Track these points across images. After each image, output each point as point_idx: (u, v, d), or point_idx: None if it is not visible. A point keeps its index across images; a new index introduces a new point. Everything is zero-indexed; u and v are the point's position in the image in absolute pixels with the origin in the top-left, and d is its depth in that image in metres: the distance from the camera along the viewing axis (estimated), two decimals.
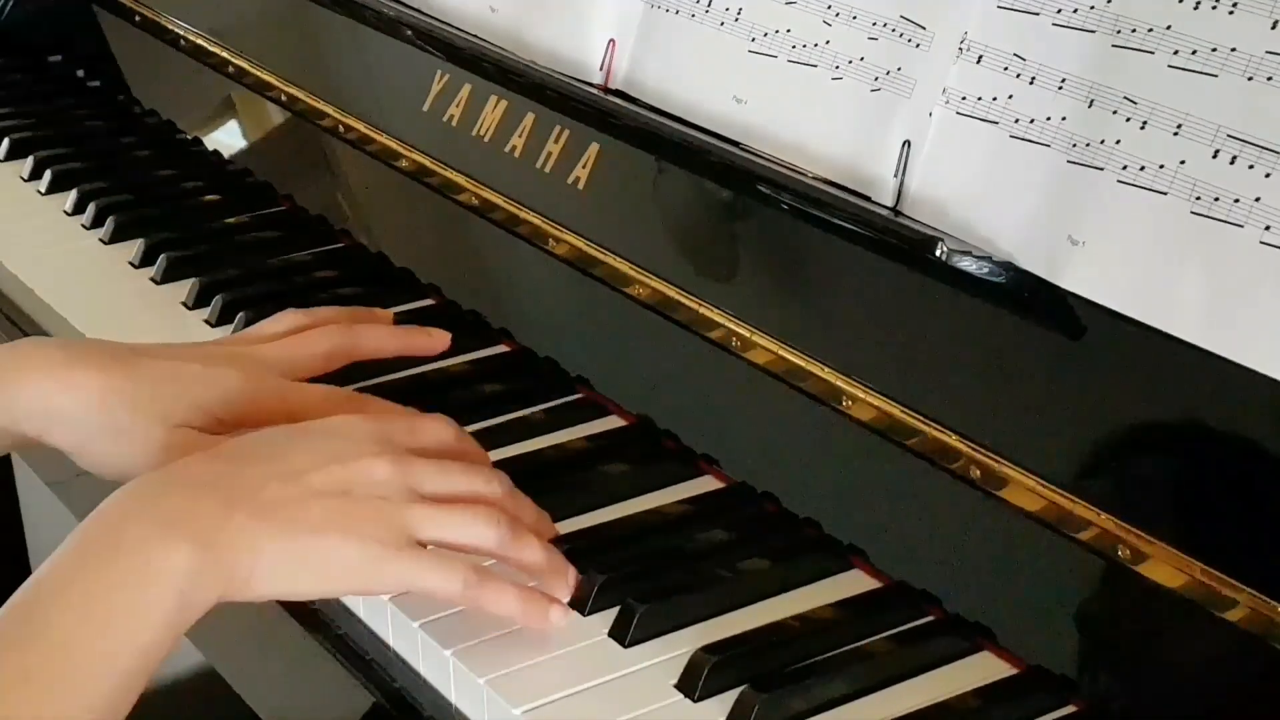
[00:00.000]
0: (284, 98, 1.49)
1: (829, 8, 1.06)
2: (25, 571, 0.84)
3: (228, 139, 1.59)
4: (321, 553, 0.88)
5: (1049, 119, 0.94)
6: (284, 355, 1.09)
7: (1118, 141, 0.90)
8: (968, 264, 0.94)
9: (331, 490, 0.90)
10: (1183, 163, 0.87)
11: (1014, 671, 0.91)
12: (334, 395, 1.07)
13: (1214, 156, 0.86)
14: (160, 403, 1.02)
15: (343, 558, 0.89)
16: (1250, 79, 0.85)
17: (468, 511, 0.92)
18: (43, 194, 1.52)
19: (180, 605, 0.84)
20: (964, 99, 0.98)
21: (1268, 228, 0.83)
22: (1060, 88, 0.93)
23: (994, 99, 0.96)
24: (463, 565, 0.91)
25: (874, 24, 1.04)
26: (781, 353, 1.03)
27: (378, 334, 1.15)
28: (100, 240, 1.43)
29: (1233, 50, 0.85)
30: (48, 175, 1.53)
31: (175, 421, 1.01)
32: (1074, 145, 0.92)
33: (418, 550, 0.90)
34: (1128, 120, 0.90)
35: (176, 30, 1.63)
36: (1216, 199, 0.85)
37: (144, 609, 0.83)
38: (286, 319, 1.13)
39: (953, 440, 0.94)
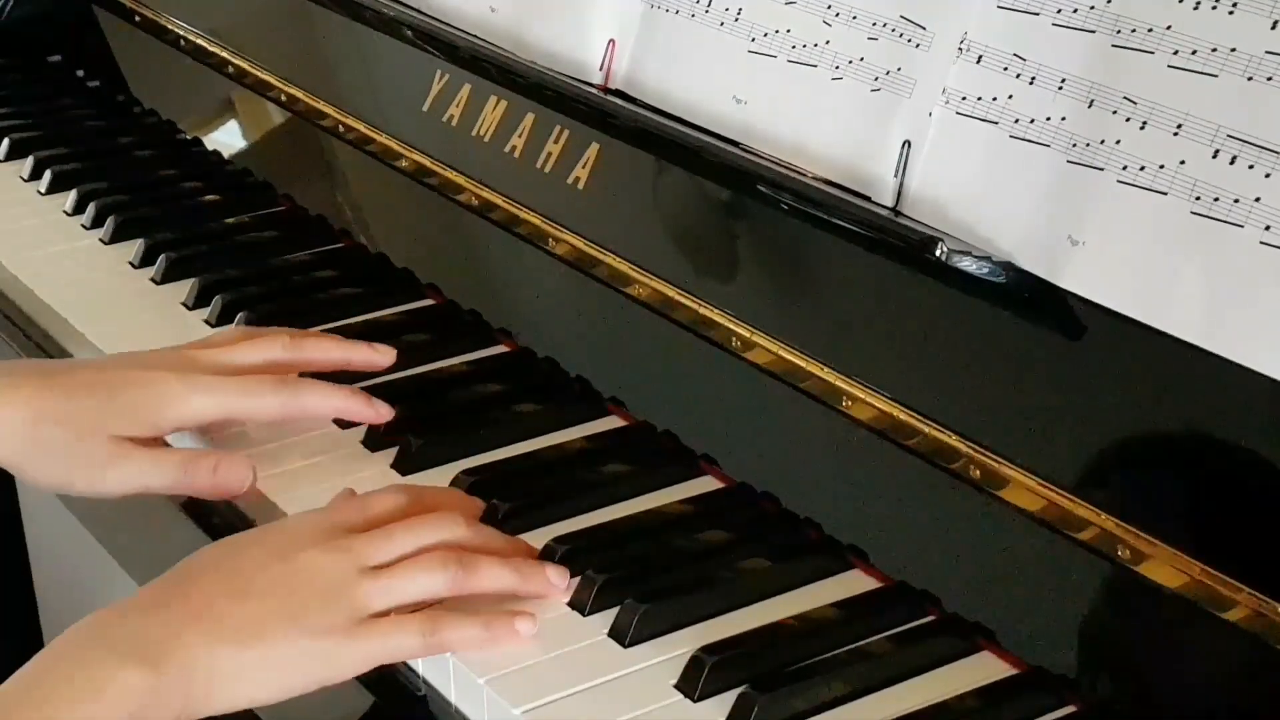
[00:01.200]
0: (284, 98, 1.49)
1: (829, 8, 1.06)
2: (25, 572, 0.85)
3: (228, 139, 1.59)
4: (277, 659, 0.89)
5: (1049, 119, 0.94)
6: (221, 360, 1.09)
7: (1118, 141, 0.90)
8: (968, 264, 0.94)
9: (278, 590, 0.90)
10: (1183, 163, 0.87)
11: (1014, 671, 0.91)
12: (267, 382, 1.08)
13: (1214, 156, 0.86)
14: (94, 415, 1.04)
15: (299, 657, 0.89)
16: (1250, 79, 0.85)
17: (410, 567, 0.93)
18: (43, 194, 1.52)
19: None
20: (964, 99, 0.98)
21: (1268, 228, 0.83)
22: (1060, 88, 0.93)
23: (994, 99, 0.96)
24: (415, 620, 0.91)
25: (874, 24, 1.04)
26: (781, 353, 1.03)
27: (321, 346, 1.15)
28: (100, 240, 1.43)
29: (1233, 50, 0.85)
30: (48, 175, 1.53)
31: (112, 431, 1.03)
32: (1074, 145, 0.92)
33: (370, 624, 0.91)
34: (1128, 120, 0.90)
35: (176, 30, 1.63)
36: (1216, 199, 0.85)
37: None
38: (232, 332, 1.15)
39: (953, 440, 0.94)
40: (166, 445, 1.08)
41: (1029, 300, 0.93)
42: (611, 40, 1.21)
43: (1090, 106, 0.92)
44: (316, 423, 1.14)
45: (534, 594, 0.96)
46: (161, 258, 1.36)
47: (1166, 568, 0.84)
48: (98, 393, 1.05)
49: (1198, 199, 0.86)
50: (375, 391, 1.16)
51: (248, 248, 1.41)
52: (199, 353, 1.10)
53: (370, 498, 0.99)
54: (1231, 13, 0.86)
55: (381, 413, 1.11)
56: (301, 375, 1.12)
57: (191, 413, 1.06)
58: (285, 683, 0.90)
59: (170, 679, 0.86)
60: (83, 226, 1.45)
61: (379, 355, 1.16)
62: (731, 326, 1.06)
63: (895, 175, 1.01)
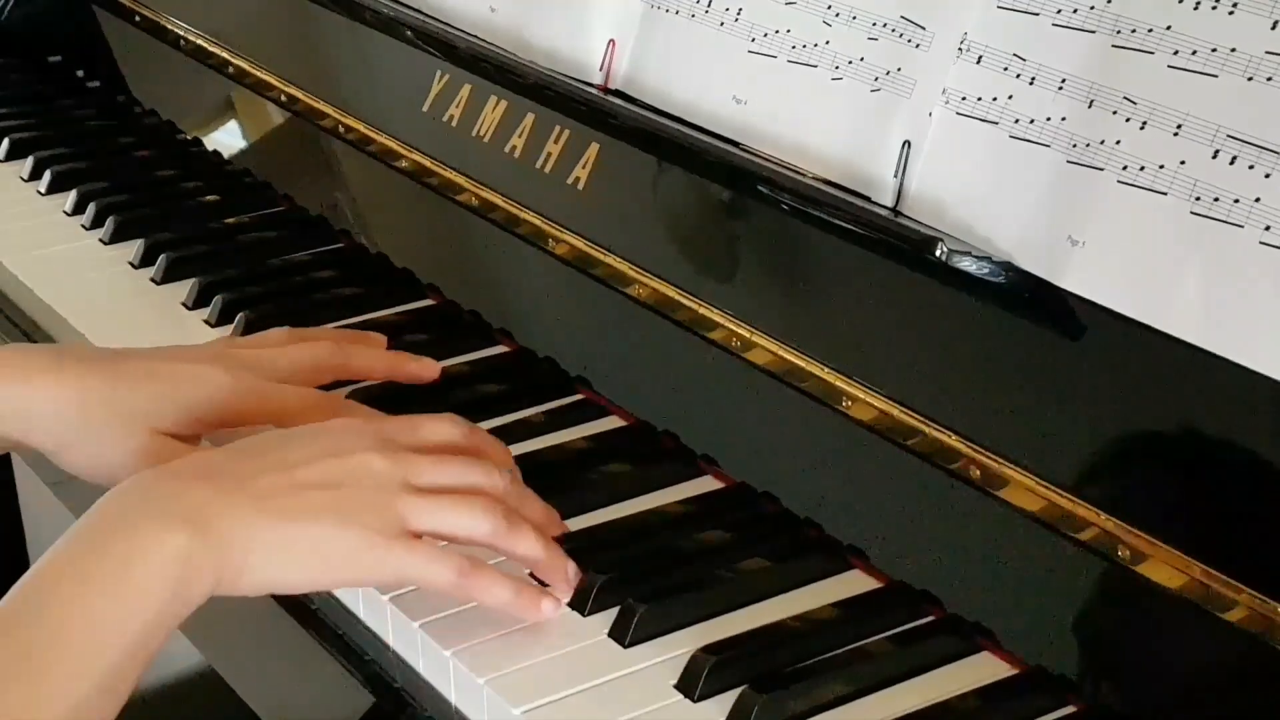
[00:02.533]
0: (284, 98, 1.49)
1: (829, 8, 1.06)
2: (25, 571, 0.84)
3: (228, 139, 1.59)
4: (313, 541, 0.88)
5: (1049, 119, 0.94)
6: (268, 360, 1.08)
7: (1118, 141, 0.90)
8: (968, 264, 0.94)
9: (325, 482, 0.90)
10: (1183, 163, 0.87)
11: (1014, 671, 0.91)
12: (313, 397, 1.07)
13: (1214, 156, 0.86)
14: (139, 404, 1.02)
15: (334, 546, 0.89)
16: (1250, 79, 0.85)
17: (461, 502, 0.92)
18: (43, 194, 1.52)
19: (174, 590, 0.84)
20: (964, 99, 0.98)
21: (1268, 228, 0.83)
22: (1060, 88, 0.93)
23: (994, 99, 0.96)
24: (455, 555, 0.91)
25: (874, 24, 1.04)
26: (781, 353, 1.03)
27: (368, 355, 1.14)
28: (100, 240, 1.43)
29: (1233, 50, 0.85)
30: (48, 175, 1.53)
31: (154, 423, 1.02)
32: (1074, 145, 0.92)
33: (410, 540, 0.90)
34: (1128, 120, 0.90)
35: (176, 30, 1.63)
36: (1216, 199, 0.85)
37: (138, 591, 0.83)
38: (280, 334, 1.13)
39: (953, 440, 0.94)
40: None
41: (1029, 300, 0.93)
42: (611, 40, 1.21)
43: (1090, 106, 0.92)
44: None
45: (551, 576, 0.95)
46: (161, 258, 1.36)
47: (1166, 568, 0.84)
48: (145, 384, 1.03)
49: (1198, 199, 0.86)
50: (375, 393, 1.16)
51: (248, 248, 1.41)
52: (246, 352, 1.09)
53: (422, 419, 0.98)
54: (1231, 13, 0.86)
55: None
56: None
57: (236, 414, 1.04)
58: (316, 569, 0.89)
59: (211, 544, 0.85)
60: (83, 227, 1.45)
61: (424, 369, 1.14)
62: (731, 326, 1.06)
63: (895, 175, 1.01)
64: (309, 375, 1.10)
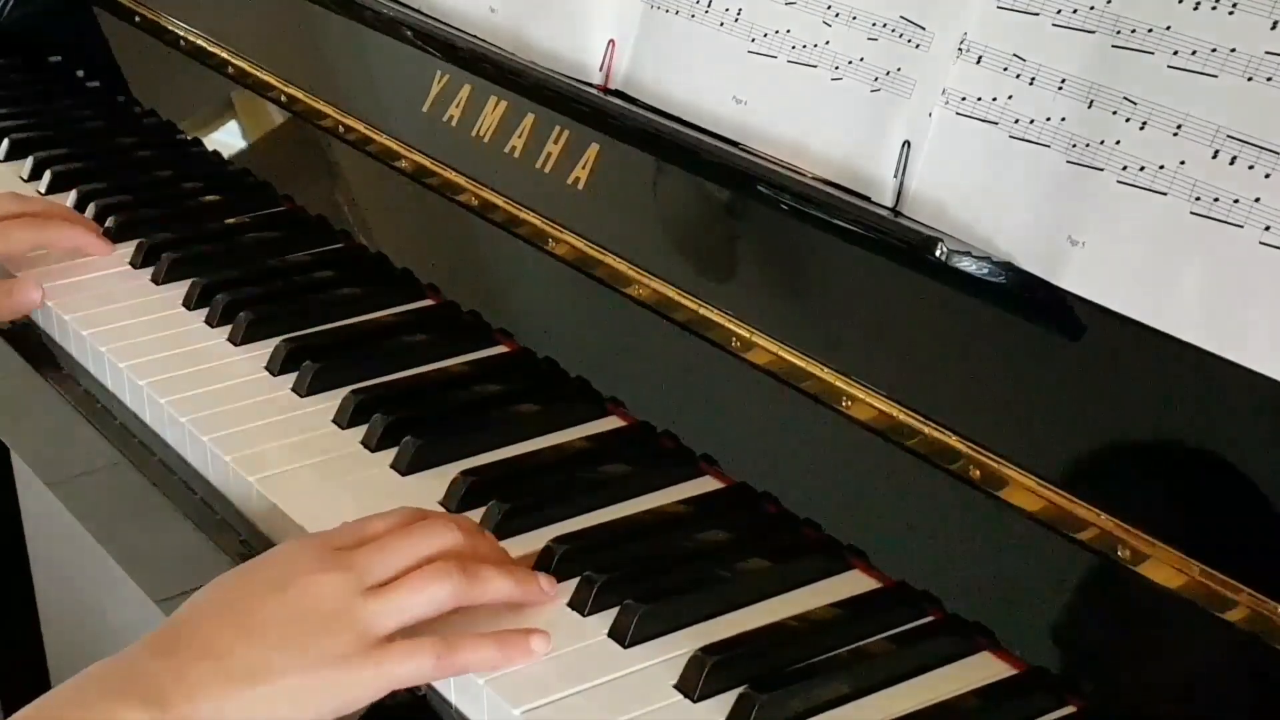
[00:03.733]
0: (284, 98, 1.49)
1: (829, 8, 1.06)
2: (25, 571, 0.84)
3: (228, 139, 1.59)
4: (288, 691, 0.87)
5: (1049, 119, 0.94)
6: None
7: (1118, 142, 0.90)
8: (968, 264, 0.94)
9: (281, 621, 0.89)
10: (1183, 163, 0.87)
11: (1014, 671, 0.91)
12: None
13: (1214, 156, 0.86)
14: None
15: (310, 688, 0.88)
16: (1250, 79, 0.85)
17: (416, 581, 0.91)
18: (43, 194, 1.52)
19: None
20: (964, 99, 0.98)
21: (1268, 228, 0.83)
22: (1060, 88, 0.93)
23: (994, 99, 0.96)
24: (429, 642, 0.90)
25: (874, 24, 1.04)
26: (781, 353, 1.03)
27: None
28: None
29: (1233, 50, 0.85)
30: (48, 175, 1.53)
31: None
32: (1074, 145, 0.92)
33: (384, 648, 0.89)
34: (1128, 121, 0.90)
35: (176, 31, 1.63)
36: (1216, 199, 0.85)
37: None
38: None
39: (953, 440, 0.94)
40: None
41: (1029, 300, 0.93)
42: (611, 40, 1.21)
43: (1090, 107, 0.92)
44: (315, 417, 1.15)
45: (530, 602, 0.95)
46: (161, 258, 1.36)
47: (1166, 568, 0.84)
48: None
49: (1198, 199, 0.86)
50: (376, 393, 1.16)
51: (248, 248, 1.41)
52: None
53: (365, 519, 0.97)
54: (1231, 13, 0.86)
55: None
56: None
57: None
58: (298, 716, 0.88)
59: (175, 719, 0.85)
60: None
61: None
62: (731, 326, 1.06)
63: (895, 175, 1.01)
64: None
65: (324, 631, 0.89)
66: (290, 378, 1.20)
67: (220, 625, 0.89)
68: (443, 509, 1.05)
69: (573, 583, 0.97)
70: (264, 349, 1.24)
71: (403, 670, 0.90)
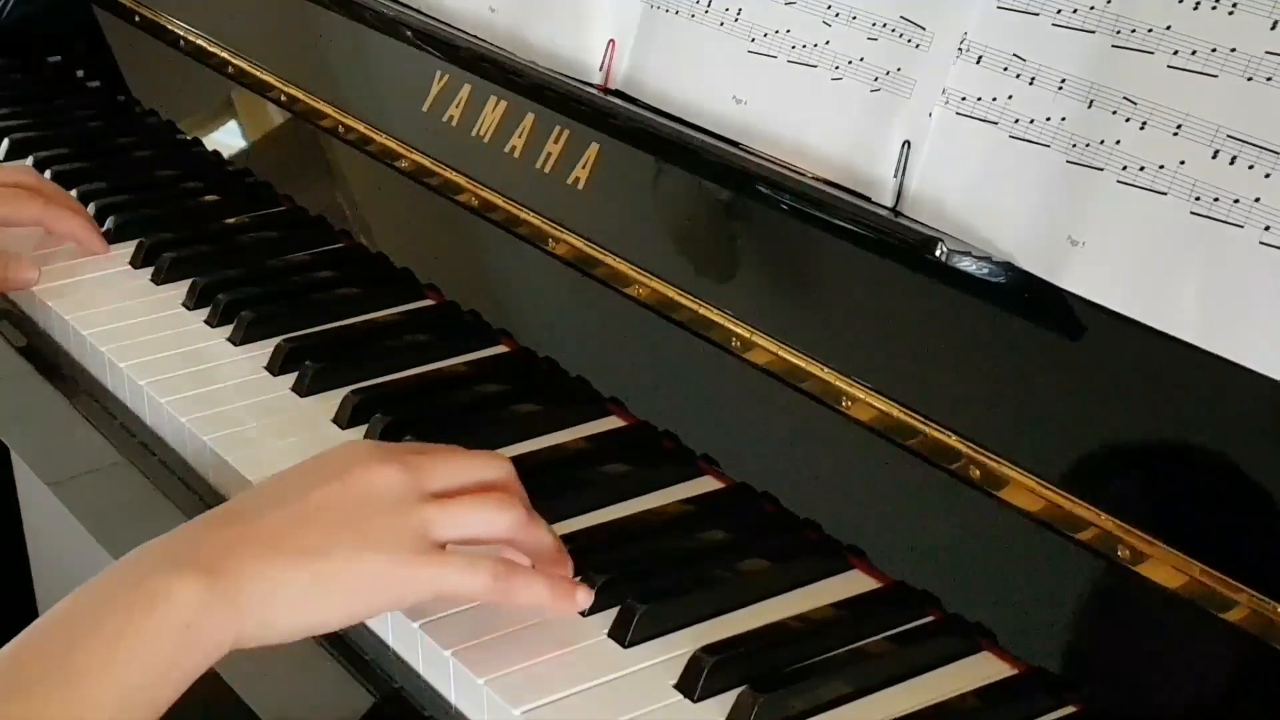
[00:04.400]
0: (284, 98, 1.49)
1: (829, 8, 1.06)
2: (25, 571, 0.85)
3: (228, 139, 1.59)
4: (339, 574, 0.87)
5: (1049, 119, 0.94)
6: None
7: (1117, 142, 0.90)
8: (968, 264, 0.94)
9: (339, 507, 0.88)
10: (1183, 163, 0.87)
11: (1014, 671, 0.91)
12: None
13: (1214, 156, 0.86)
14: None
15: (362, 575, 0.87)
16: (1250, 79, 0.85)
17: (480, 502, 0.91)
18: None
19: (187, 637, 0.83)
20: (964, 99, 0.98)
21: (1268, 228, 0.83)
22: (1060, 88, 0.93)
23: (994, 99, 0.96)
24: (488, 561, 0.90)
25: (874, 24, 1.04)
26: (781, 353, 1.03)
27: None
28: None
29: (1233, 50, 0.85)
30: (47, 175, 1.53)
31: None
32: (1074, 145, 0.92)
33: (439, 553, 0.89)
34: (1127, 120, 0.90)
35: (176, 30, 1.63)
36: (1216, 199, 0.85)
37: (150, 636, 0.82)
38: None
39: (953, 440, 0.94)
40: None
41: (1029, 300, 0.93)
42: (611, 40, 1.21)
43: (1090, 106, 0.92)
44: (315, 417, 1.15)
45: (560, 572, 0.95)
46: (161, 257, 1.36)
47: (1166, 568, 0.84)
48: None
49: (1198, 199, 0.86)
50: (376, 393, 1.16)
51: (248, 248, 1.41)
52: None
53: (425, 444, 0.97)
54: (1231, 13, 0.86)
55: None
56: None
57: None
58: (350, 604, 0.87)
59: (226, 590, 0.83)
60: None
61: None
62: (731, 326, 1.06)
63: (895, 175, 1.01)
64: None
65: (383, 523, 0.88)
66: (290, 378, 1.20)
67: (277, 507, 0.88)
68: None
69: (587, 590, 0.96)
70: (264, 349, 1.24)
71: (459, 579, 0.89)
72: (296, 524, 0.87)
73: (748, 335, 1.05)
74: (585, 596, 0.93)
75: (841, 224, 1.01)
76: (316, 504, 0.88)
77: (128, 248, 1.40)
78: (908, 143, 1.01)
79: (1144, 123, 0.89)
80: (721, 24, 1.13)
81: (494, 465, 0.95)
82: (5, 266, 1.31)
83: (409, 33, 1.35)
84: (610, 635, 0.93)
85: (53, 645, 0.82)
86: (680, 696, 0.89)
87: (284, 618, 0.86)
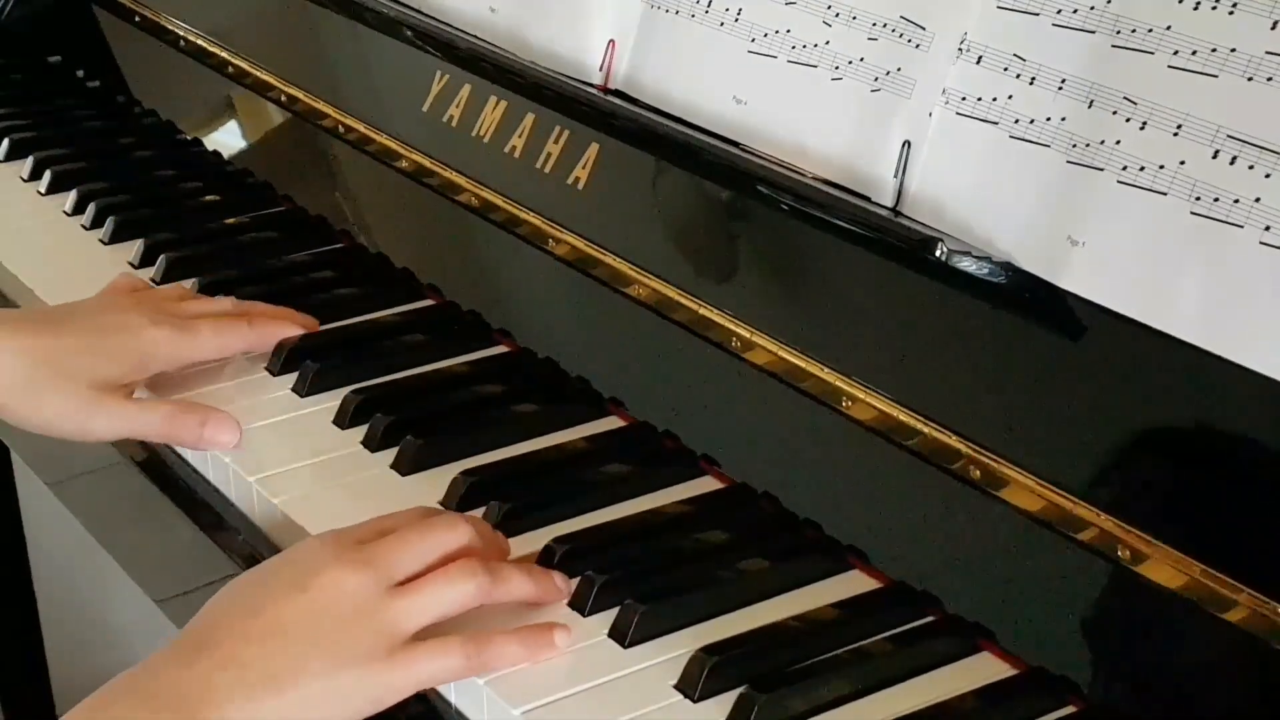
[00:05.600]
0: (284, 98, 1.49)
1: (829, 8, 1.06)
2: (25, 571, 0.84)
3: (228, 139, 1.59)
4: (317, 695, 0.86)
5: (1049, 119, 0.94)
6: (182, 307, 1.19)
7: (1118, 142, 0.90)
8: (967, 264, 0.94)
9: (306, 623, 0.87)
10: (1183, 163, 0.87)
11: (1014, 671, 0.91)
12: (225, 309, 1.20)
13: (1214, 157, 0.86)
14: (77, 361, 1.09)
15: (339, 690, 0.87)
16: (1250, 79, 0.85)
17: (441, 579, 0.91)
18: (43, 194, 1.52)
19: None
20: (964, 99, 0.98)
21: (1268, 228, 0.83)
22: (1060, 88, 0.93)
23: (994, 99, 0.96)
24: (456, 642, 0.90)
25: (874, 24, 1.04)
26: (781, 353, 1.03)
27: (264, 307, 1.22)
28: (100, 240, 1.43)
29: (1233, 50, 0.86)
30: (48, 175, 1.53)
31: (91, 378, 1.09)
32: (1074, 145, 0.92)
33: (410, 649, 0.89)
34: (1128, 120, 0.90)
35: (176, 30, 1.63)
36: (1216, 199, 0.85)
37: None
38: (171, 289, 1.25)
39: (953, 440, 0.94)
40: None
41: (1029, 300, 0.93)
42: (611, 40, 1.21)
43: (1090, 106, 0.92)
44: (316, 417, 1.15)
45: (547, 600, 0.95)
46: (161, 258, 1.36)
47: (1166, 568, 0.84)
48: (83, 339, 1.10)
49: (1198, 199, 0.86)
50: (376, 393, 1.16)
51: (247, 248, 1.41)
52: (163, 300, 1.18)
53: (380, 518, 0.96)
54: (1231, 13, 0.86)
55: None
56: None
57: (165, 359, 1.14)
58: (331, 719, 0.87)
59: None
60: (83, 227, 1.45)
61: (308, 322, 1.23)
62: (731, 326, 1.06)
63: (895, 175, 1.01)
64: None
65: (349, 631, 0.87)
66: (290, 378, 1.20)
67: (241, 631, 0.87)
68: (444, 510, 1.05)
69: (573, 582, 0.97)
70: None
71: (433, 669, 0.89)
72: (263, 647, 0.86)
73: (748, 335, 1.05)
74: (562, 636, 0.92)
75: (842, 224, 1.01)
76: (284, 621, 0.87)
77: (128, 248, 1.40)
78: (908, 143, 1.01)
79: (1144, 123, 0.89)
80: (721, 24, 1.13)
81: (452, 532, 0.94)
82: (204, 423, 1.12)
83: (409, 33, 1.35)
84: (610, 635, 0.93)
85: None
86: (680, 696, 0.89)
87: None
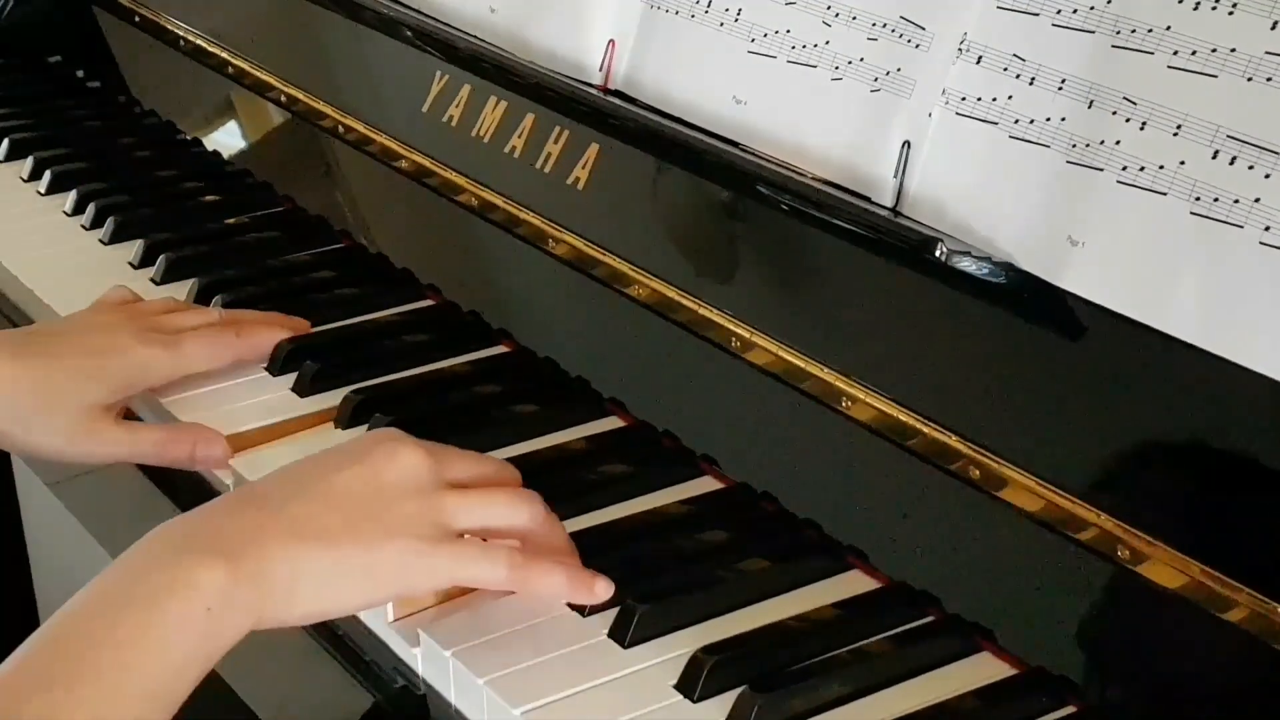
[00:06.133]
0: (284, 98, 1.49)
1: (829, 8, 1.06)
2: (25, 571, 0.84)
3: (228, 139, 1.59)
4: (361, 560, 0.87)
5: (1048, 119, 0.94)
6: (170, 323, 1.17)
7: (1117, 142, 0.90)
8: (967, 264, 0.94)
9: (361, 493, 0.89)
10: (1182, 163, 0.87)
11: (1014, 672, 0.91)
12: (208, 321, 1.18)
13: (1214, 157, 0.86)
14: (66, 384, 1.08)
15: (383, 563, 0.87)
16: (1250, 79, 0.85)
17: (499, 492, 0.93)
18: (43, 194, 1.52)
19: (211, 622, 0.83)
20: (964, 99, 0.98)
21: (1268, 228, 0.83)
22: (1060, 88, 0.93)
23: (993, 99, 0.96)
24: (505, 550, 0.91)
25: (874, 24, 1.04)
26: (781, 353, 1.03)
27: (254, 314, 1.21)
28: (100, 240, 1.43)
29: (1233, 50, 0.86)
30: (47, 175, 1.53)
31: (81, 401, 1.08)
32: (1074, 145, 0.92)
33: (457, 541, 0.90)
34: (1127, 120, 0.90)
35: (176, 31, 1.63)
36: (1216, 199, 0.85)
37: (173, 623, 0.82)
38: (160, 303, 1.21)
39: (953, 440, 0.94)
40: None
41: (1029, 300, 0.93)
42: (611, 40, 1.21)
43: (1090, 107, 0.92)
44: (315, 420, 1.15)
45: (575, 559, 0.96)
46: (161, 258, 1.36)
47: (1166, 568, 0.84)
48: (70, 362, 1.09)
49: (1197, 199, 0.86)
50: (376, 394, 1.16)
51: (247, 248, 1.41)
52: (150, 315, 1.16)
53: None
54: (1231, 13, 0.86)
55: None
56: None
57: (154, 378, 1.12)
58: (368, 589, 0.88)
59: (248, 575, 0.84)
60: (83, 227, 1.45)
61: (299, 325, 1.20)
62: (731, 326, 1.06)
63: (895, 176, 1.01)
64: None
65: (402, 506, 0.88)
66: (290, 378, 1.20)
67: (298, 491, 0.88)
68: None
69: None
70: None
71: (478, 568, 0.90)
72: (319, 509, 0.87)
73: (748, 335, 1.05)
74: (605, 588, 0.93)
75: (841, 224, 1.01)
76: (339, 489, 0.89)
77: (128, 248, 1.40)
78: (908, 143, 1.01)
79: (1144, 123, 0.89)
80: (721, 24, 1.13)
81: (508, 468, 0.97)
82: (194, 444, 1.11)
83: (409, 33, 1.35)
84: (610, 635, 0.93)
85: (76, 640, 0.82)
86: (680, 696, 0.89)
87: (304, 602, 0.86)
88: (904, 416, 0.97)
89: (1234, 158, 0.85)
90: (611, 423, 1.14)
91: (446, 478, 0.91)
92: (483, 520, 0.91)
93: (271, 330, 1.21)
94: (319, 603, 0.87)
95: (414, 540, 0.88)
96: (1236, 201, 0.84)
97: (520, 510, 0.93)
